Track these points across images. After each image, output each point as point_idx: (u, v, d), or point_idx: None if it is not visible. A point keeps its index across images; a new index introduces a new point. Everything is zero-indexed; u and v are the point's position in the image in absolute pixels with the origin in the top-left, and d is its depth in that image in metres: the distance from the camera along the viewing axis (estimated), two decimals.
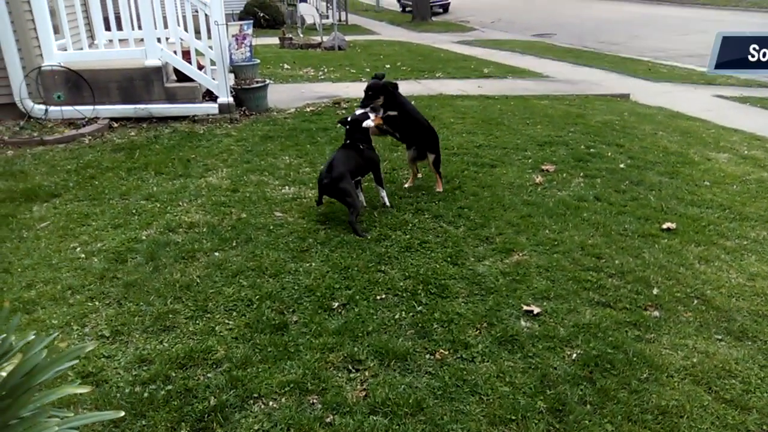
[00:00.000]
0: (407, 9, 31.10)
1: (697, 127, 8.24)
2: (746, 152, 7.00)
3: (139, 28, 8.01)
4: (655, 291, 3.85)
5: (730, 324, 3.54)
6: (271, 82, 9.25)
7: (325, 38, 16.71)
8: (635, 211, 5.06)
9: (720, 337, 3.43)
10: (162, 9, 8.28)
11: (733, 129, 8.22)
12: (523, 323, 3.48)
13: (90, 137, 7.02)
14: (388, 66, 12.78)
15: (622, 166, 6.19)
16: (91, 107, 7.52)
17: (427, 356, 3.19)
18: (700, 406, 2.88)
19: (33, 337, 2.32)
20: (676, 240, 4.57)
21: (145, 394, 2.86)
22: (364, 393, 2.90)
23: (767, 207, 5.27)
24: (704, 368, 3.14)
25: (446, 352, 3.21)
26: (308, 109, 8.48)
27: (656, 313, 3.62)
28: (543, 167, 6.05)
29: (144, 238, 4.44)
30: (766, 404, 2.91)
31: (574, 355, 3.21)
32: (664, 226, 4.75)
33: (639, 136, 7.42)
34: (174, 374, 3.01)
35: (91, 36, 8.97)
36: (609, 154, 6.59)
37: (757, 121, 8.81)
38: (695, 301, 3.76)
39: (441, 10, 31.97)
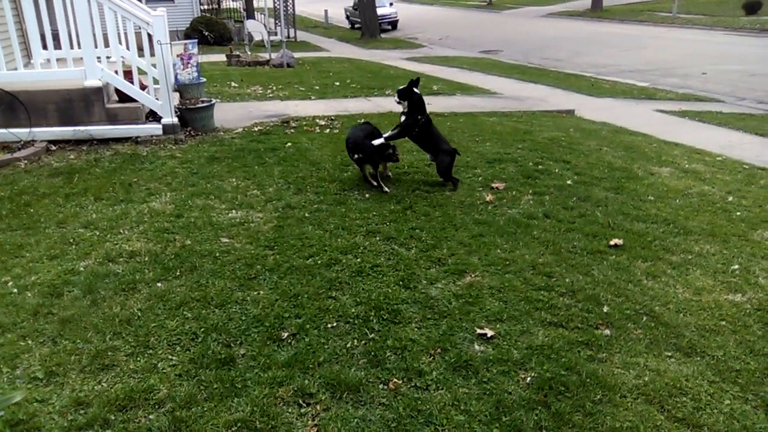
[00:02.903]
0: (356, 26, 31.34)
1: (640, 141, 8.47)
2: (687, 166, 7.22)
3: (79, 46, 7.73)
4: (605, 309, 3.87)
5: (679, 340, 3.58)
6: (218, 101, 9.07)
7: (273, 55, 16.59)
8: (583, 227, 5.12)
9: (670, 353, 3.46)
10: (102, 26, 8.03)
11: (674, 143, 8.49)
12: (477, 347, 3.44)
13: (26, 161, 6.70)
14: (337, 83, 12.75)
15: (569, 182, 6.28)
16: (27, 130, 7.19)
17: (381, 386, 3.10)
18: (653, 426, 2.89)
19: None
20: (624, 256, 4.63)
21: None
22: (315, 429, 2.80)
23: (709, 220, 5.41)
24: (656, 387, 3.16)
25: (400, 381, 3.13)
26: (256, 129, 8.33)
27: (607, 332, 3.64)
28: (493, 185, 6.08)
29: (82, 269, 4.22)
30: (716, 421, 2.94)
31: (529, 378, 3.18)
32: (612, 243, 4.82)
33: (585, 151, 7.57)
34: (113, 417, 2.84)
35: (27, 55, 8.63)
36: (556, 170, 6.68)
37: (696, 134, 9.13)
38: (644, 318, 3.79)
39: (390, 27, 32.32)
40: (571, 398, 3.05)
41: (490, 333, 3.55)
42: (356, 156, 5.85)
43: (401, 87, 6.04)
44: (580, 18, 36.10)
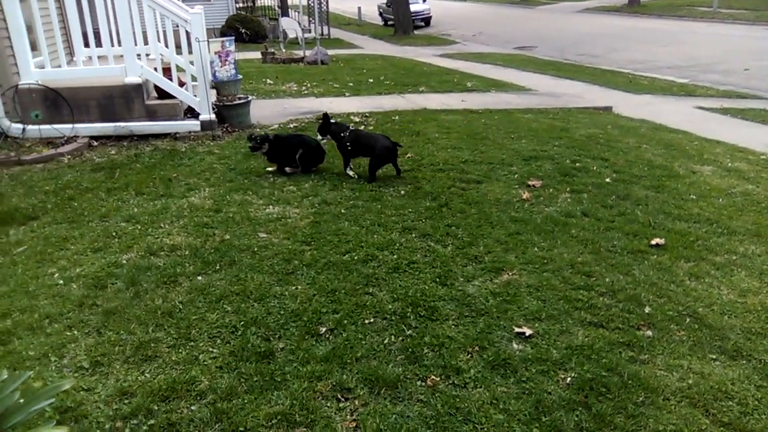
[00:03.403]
0: (389, 23, 31.28)
1: (680, 139, 8.29)
2: (730, 164, 7.04)
3: (119, 44, 7.89)
4: (647, 309, 3.80)
5: (724, 342, 3.50)
6: (254, 97, 9.16)
7: (307, 53, 16.68)
8: (623, 226, 5.03)
9: (714, 356, 3.38)
10: (142, 24, 8.18)
11: (715, 141, 8.28)
12: (515, 346, 3.41)
13: (69, 156, 6.87)
14: (371, 80, 12.77)
15: (608, 180, 6.18)
16: (70, 126, 7.38)
17: (419, 383, 3.10)
18: (698, 430, 2.82)
19: (6, 376, 2.21)
20: (666, 256, 4.54)
21: (126, 430, 2.74)
22: (354, 424, 2.81)
23: (754, 220, 5.27)
24: (700, 390, 3.09)
25: (438, 379, 3.12)
26: (292, 125, 8.40)
27: (649, 333, 3.57)
28: (529, 183, 6.01)
29: (124, 262, 4.31)
30: (764, 426, 2.86)
31: (569, 378, 3.14)
32: (653, 242, 4.72)
33: (623, 149, 7.44)
34: (156, 407, 2.89)
35: (70, 53, 8.84)
36: (594, 168, 6.58)
37: (739, 132, 8.89)
38: (687, 320, 3.71)
39: (423, 24, 32.17)
40: (613, 400, 3.00)
41: (528, 332, 3.51)
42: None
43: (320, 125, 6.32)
44: (616, 13, 35.45)
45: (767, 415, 2.93)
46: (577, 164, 6.68)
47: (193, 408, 2.90)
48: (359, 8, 35.52)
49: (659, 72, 15.76)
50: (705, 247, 4.72)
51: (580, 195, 5.73)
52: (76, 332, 3.49)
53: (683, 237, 4.86)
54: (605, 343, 3.44)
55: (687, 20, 30.74)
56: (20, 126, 7.25)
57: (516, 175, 6.27)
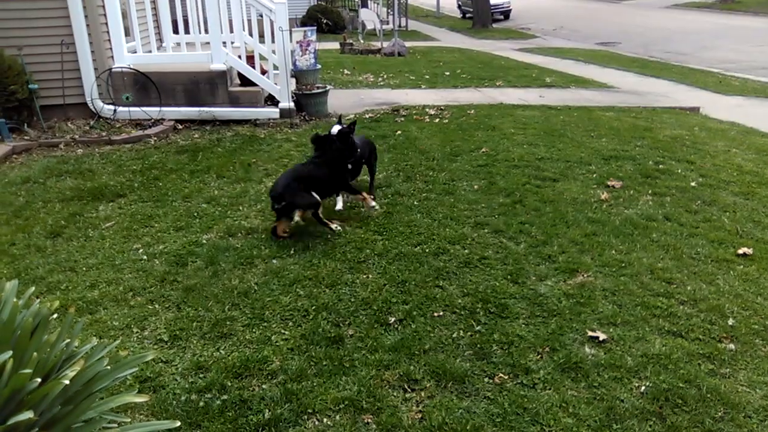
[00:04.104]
0: (467, 15, 30.95)
1: None
2: None
3: (206, 31, 8.17)
4: (730, 321, 3.62)
5: None
6: (332, 87, 9.28)
7: (385, 44, 16.74)
8: (708, 233, 4.80)
9: None
10: (228, 13, 8.43)
11: None
12: (587, 350, 3.32)
13: (155, 138, 7.19)
14: (447, 73, 12.69)
15: (693, 184, 5.90)
16: (157, 109, 7.71)
17: (486, 380, 3.08)
18: None
19: (95, 343, 2.34)
20: (753, 267, 4.30)
21: (201, 404, 2.85)
22: (419, 415, 2.82)
23: None
24: None
25: (506, 377, 3.09)
26: (367, 116, 8.46)
27: (732, 346, 3.40)
28: (608, 183, 5.83)
29: (204, 242, 4.48)
30: None
31: (643, 387, 3.04)
32: (740, 251, 4.49)
33: (711, 152, 7.08)
34: (230, 384, 3.00)
35: (160, 39, 9.22)
36: (679, 171, 6.30)
37: None
38: None
39: (502, 17, 31.65)
40: (689, 412, 2.88)
41: (602, 336, 3.42)
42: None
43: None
44: (707, 10, 33.69)
45: None
46: (661, 166, 6.42)
47: (264, 386, 2.99)
48: (438, 0, 35.29)
49: (753, 73, 14.88)
50: None
51: (663, 198, 5.50)
52: (157, 306, 3.67)
53: None
54: (684, 353, 3.31)
55: None
56: (112, 107, 7.64)
57: (594, 175, 6.09)
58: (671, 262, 4.30)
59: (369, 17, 20.54)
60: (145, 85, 7.70)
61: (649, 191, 5.66)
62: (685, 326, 3.56)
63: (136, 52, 7.91)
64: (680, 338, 3.45)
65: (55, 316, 2.16)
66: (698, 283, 4.05)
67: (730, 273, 4.21)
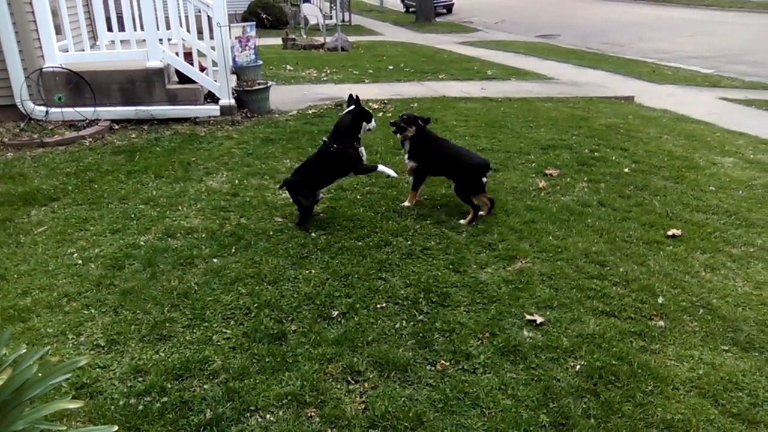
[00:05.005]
0: (411, 9, 31.06)
1: (702, 130, 8.16)
2: (752, 156, 6.93)
3: (142, 28, 7.97)
4: (660, 300, 3.78)
5: (737, 334, 3.47)
6: (274, 83, 9.20)
7: (328, 39, 16.66)
8: (640, 217, 4.99)
9: (726, 347, 3.36)
10: (164, 9, 8.23)
11: (738, 132, 8.14)
12: (525, 333, 3.42)
13: (90, 139, 6.98)
14: (391, 67, 12.73)
15: (626, 170, 6.12)
16: (92, 109, 7.48)
17: (428, 367, 3.13)
18: (706, 419, 2.82)
19: (24, 350, 2.27)
20: (682, 247, 4.50)
21: (140, 407, 2.81)
22: (363, 406, 2.85)
23: None
24: (710, 380, 3.08)
25: (447, 363, 3.15)
26: (310, 111, 8.43)
27: (661, 323, 3.56)
28: (547, 171, 5.98)
29: (142, 243, 4.39)
30: None
31: (578, 366, 3.15)
32: (669, 233, 4.69)
33: (643, 139, 7.35)
34: (170, 385, 2.96)
35: (93, 36, 8.93)
36: (613, 158, 6.52)
37: (763, 124, 8.73)
38: (701, 311, 3.69)
39: (445, 11, 31.88)
40: (622, 388, 3.00)
41: (539, 320, 3.52)
42: None
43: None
44: (644, 2, 34.79)
45: None
46: (596, 154, 6.63)
47: (205, 387, 2.96)
48: None
49: (684, 62, 15.48)
50: (722, 238, 4.67)
51: (598, 185, 5.69)
52: (93, 311, 3.58)
53: (700, 228, 4.81)
54: (617, 332, 3.44)
55: (716, 10, 30.12)
56: (44, 109, 7.37)
57: (533, 164, 6.24)
58: (605, 246, 4.46)
59: (311, 12, 20.37)
60: (79, 85, 7.46)
61: (585, 178, 5.84)
62: (617, 306, 3.70)
63: (68, 51, 7.64)
64: (613, 318, 3.59)
65: None
66: (630, 264, 4.21)
67: (660, 254, 4.39)
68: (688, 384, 3.05)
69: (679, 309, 3.70)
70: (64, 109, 7.39)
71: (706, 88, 11.94)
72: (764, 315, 3.67)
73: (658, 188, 5.65)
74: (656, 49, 17.84)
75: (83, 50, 7.83)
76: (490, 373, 3.10)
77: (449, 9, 32.64)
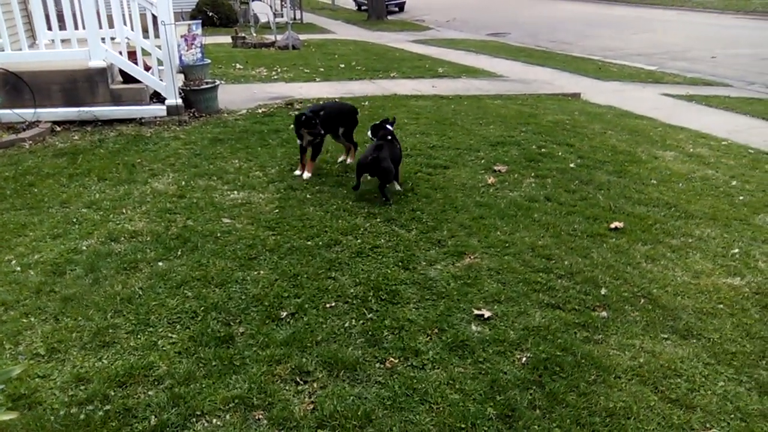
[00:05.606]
0: (363, 8, 31.03)
1: (645, 125, 8.42)
2: (692, 150, 7.18)
3: (83, 27, 7.73)
4: (603, 291, 3.89)
5: (676, 322, 3.60)
6: (222, 82, 9.07)
7: (279, 37, 16.49)
8: (584, 210, 5.12)
9: (666, 336, 3.48)
10: (107, 7, 8.01)
11: (679, 127, 8.43)
12: (473, 328, 3.46)
13: (30, 142, 6.74)
14: (342, 66, 12.70)
15: (572, 165, 6.26)
16: (31, 110, 7.22)
17: (377, 365, 3.14)
18: (646, 406, 2.91)
19: None
20: (624, 239, 4.63)
21: (82, 416, 2.73)
22: (311, 406, 2.84)
23: (711, 204, 5.40)
24: (651, 368, 3.18)
25: (396, 360, 3.17)
26: (260, 111, 8.34)
27: (604, 314, 3.65)
28: (495, 168, 6.07)
29: (84, 248, 4.26)
30: (709, 402, 2.96)
31: (524, 358, 3.21)
32: (612, 226, 4.82)
33: (589, 135, 7.53)
34: (113, 393, 2.88)
35: (32, 36, 8.62)
36: (560, 153, 6.66)
37: (702, 119, 9.06)
38: (642, 301, 3.81)
39: (397, 9, 32.02)
40: (566, 378, 3.07)
41: (487, 314, 3.57)
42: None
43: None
44: (591, 1, 35.67)
45: (713, 391, 3.03)
46: (543, 150, 6.76)
47: (150, 393, 2.90)
48: None
49: (629, 59, 15.92)
50: (662, 230, 4.82)
51: (545, 180, 5.80)
52: (32, 319, 3.46)
53: (642, 221, 4.96)
54: (561, 323, 3.52)
55: (658, 8, 31.11)
56: None
57: (482, 161, 6.32)
58: (551, 239, 4.56)
59: (262, 10, 20.13)
60: (17, 86, 7.19)
61: (533, 174, 5.95)
62: (562, 298, 3.78)
63: (4, 51, 7.35)
64: (558, 310, 3.67)
65: None
66: (575, 257, 4.31)
67: (604, 246, 4.51)
68: (629, 372, 3.14)
69: (621, 299, 3.81)
70: (2, 111, 7.11)
71: (649, 84, 12.31)
72: (702, 303, 3.81)
73: (602, 182, 5.80)
74: (602, 46, 18.30)
75: (21, 49, 7.55)
76: (438, 368, 3.12)
77: (401, 7, 32.79)
